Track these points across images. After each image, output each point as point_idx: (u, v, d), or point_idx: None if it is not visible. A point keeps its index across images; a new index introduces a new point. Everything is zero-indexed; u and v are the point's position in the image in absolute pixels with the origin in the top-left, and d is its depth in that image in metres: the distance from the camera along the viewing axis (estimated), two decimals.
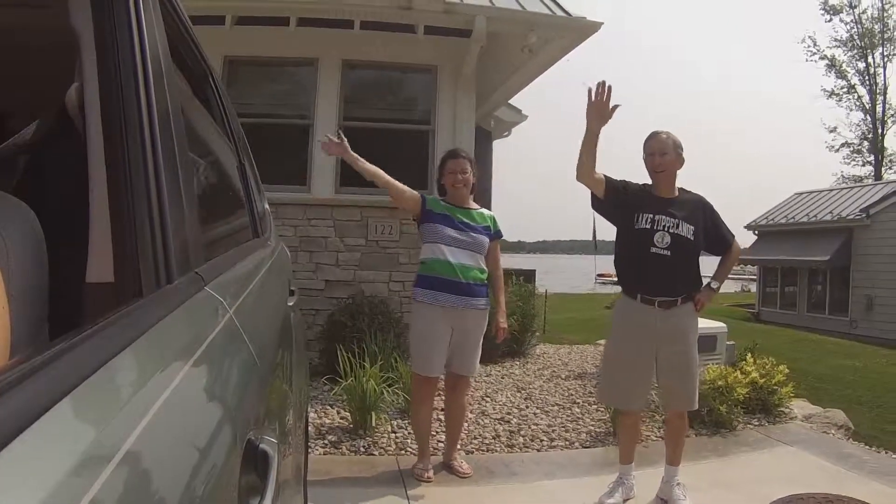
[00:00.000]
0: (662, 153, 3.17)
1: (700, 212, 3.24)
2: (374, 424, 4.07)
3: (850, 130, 29.16)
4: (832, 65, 28.67)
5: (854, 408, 5.71)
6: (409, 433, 4.05)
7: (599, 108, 3.02)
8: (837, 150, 29.38)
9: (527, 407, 4.96)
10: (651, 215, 3.14)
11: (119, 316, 0.59)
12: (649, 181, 3.25)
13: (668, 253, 3.10)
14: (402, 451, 3.90)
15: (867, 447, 4.41)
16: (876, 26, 27.47)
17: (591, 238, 21.49)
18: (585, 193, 3.26)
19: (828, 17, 28.43)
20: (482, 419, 4.60)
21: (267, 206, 2.40)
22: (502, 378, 5.95)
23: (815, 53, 29.52)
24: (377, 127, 6.20)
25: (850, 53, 28.30)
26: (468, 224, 3.53)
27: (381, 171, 3.52)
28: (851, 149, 29.00)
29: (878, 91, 27.92)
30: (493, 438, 4.23)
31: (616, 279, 3.53)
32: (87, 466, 0.40)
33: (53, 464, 0.37)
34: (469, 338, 3.52)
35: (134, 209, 0.70)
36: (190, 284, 0.80)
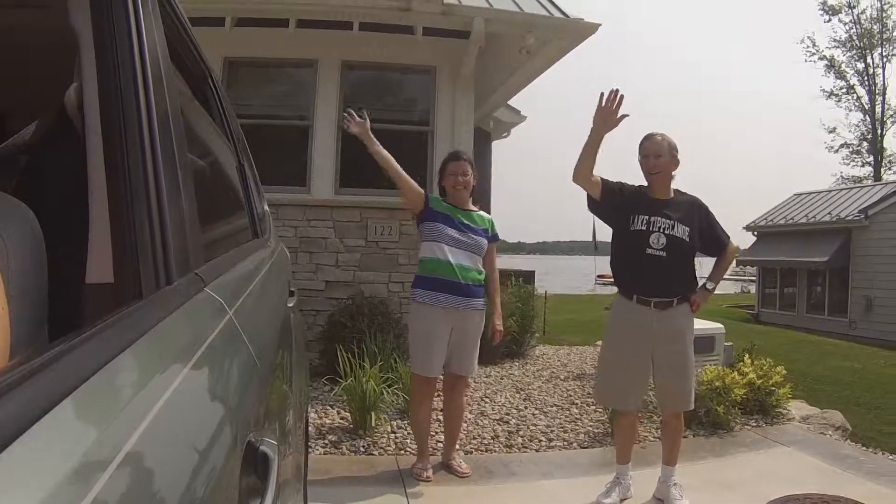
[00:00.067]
0: (657, 155, 3.18)
1: (695, 213, 3.26)
2: (373, 424, 4.07)
3: (850, 131, 29.25)
4: (831, 65, 28.74)
5: (852, 409, 5.71)
6: (408, 433, 4.06)
7: (606, 115, 3.03)
8: (836, 151, 29.46)
9: (525, 407, 4.97)
10: (646, 217, 3.16)
11: (119, 317, 0.58)
12: (645, 182, 3.26)
13: (664, 254, 3.12)
14: (402, 451, 3.91)
15: (864, 448, 4.40)
16: (875, 27, 27.52)
17: (590, 239, 21.47)
18: (585, 194, 3.27)
19: (827, 17, 28.53)
20: (481, 419, 4.61)
21: (266, 206, 2.40)
22: (501, 379, 5.96)
23: (814, 54, 29.58)
24: (376, 128, 6.15)
25: (849, 54, 28.38)
26: (468, 225, 3.54)
27: (393, 160, 3.54)
28: (851, 149, 29.08)
29: (877, 91, 27.98)
30: (492, 439, 4.24)
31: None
32: (88, 468, 0.40)
33: (54, 466, 0.37)
34: (468, 338, 3.53)
35: (133, 210, 0.70)
36: (190, 285, 0.80)
